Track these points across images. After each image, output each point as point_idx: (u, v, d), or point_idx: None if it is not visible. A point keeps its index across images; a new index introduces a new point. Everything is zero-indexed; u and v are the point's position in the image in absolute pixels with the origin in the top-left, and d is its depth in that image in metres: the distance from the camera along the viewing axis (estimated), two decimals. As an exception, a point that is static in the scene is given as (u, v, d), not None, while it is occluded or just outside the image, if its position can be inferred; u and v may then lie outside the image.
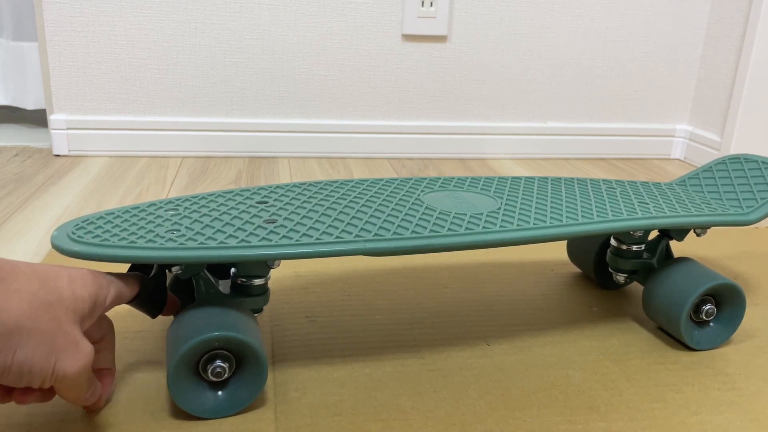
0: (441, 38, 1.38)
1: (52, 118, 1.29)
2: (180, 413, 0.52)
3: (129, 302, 0.53)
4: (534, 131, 1.47)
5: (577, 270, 0.84)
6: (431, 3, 1.34)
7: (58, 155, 1.30)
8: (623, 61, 1.47)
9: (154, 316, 0.56)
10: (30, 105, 1.50)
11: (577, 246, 0.82)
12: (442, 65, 1.40)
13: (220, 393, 0.52)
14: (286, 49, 1.34)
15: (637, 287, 0.80)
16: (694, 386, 0.60)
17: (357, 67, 1.37)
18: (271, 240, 0.53)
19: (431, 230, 0.57)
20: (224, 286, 0.58)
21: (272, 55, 1.34)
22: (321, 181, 0.69)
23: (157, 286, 0.55)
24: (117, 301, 0.50)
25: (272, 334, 0.66)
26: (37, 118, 1.58)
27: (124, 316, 0.67)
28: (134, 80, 1.31)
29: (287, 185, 0.67)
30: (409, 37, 1.37)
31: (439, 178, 0.72)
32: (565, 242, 0.85)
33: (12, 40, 1.46)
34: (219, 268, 0.60)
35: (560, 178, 0.76)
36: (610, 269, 0.74)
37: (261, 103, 1.36)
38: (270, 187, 0.66)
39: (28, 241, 0.87)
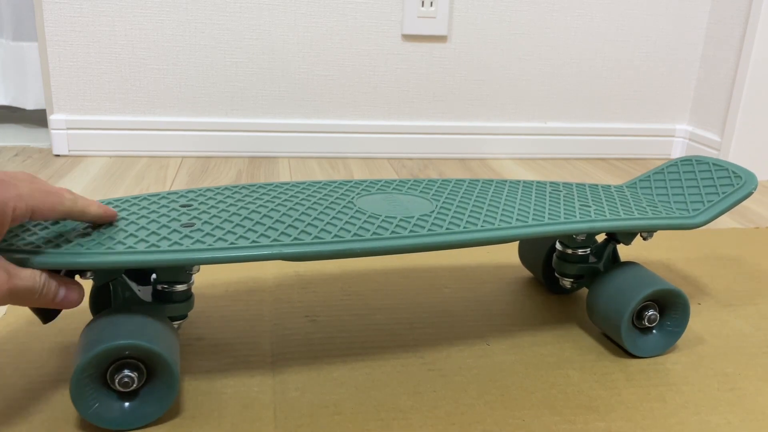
0: (441, 38, 1.38)
1: (52, 118, 1.29)
2: (180, 414, 0.52)
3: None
4: (534, 131, 1.47)
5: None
6: (431, 3, 1.34)
7: (58, 155, 1.31)
8: (623, 61, 1.47)
9: (45, 322, 0.54)
10: (30, 105, 1.50)
11: (527, 250, 0.80)
12: (442, 65, 1.40)
13: (127, 404, 0.50)
14: (286, 49, 1.34)
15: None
16: (694, 386, 0.60)
17: (357, 67, 1.37)
18: (182, 245, 0.51)
19: (355, 234, 0.55)
20: (145, 292, 0.56)
21: (272, 55, 1.34)
22: (253, 184, 0.67)
23: None
24: (26, 214, 0.47)
25: (272, 334, 0.66)
26: (37, 118, 1.58)
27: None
28: (134, 80, 1.31)
29: (218, 188, 0.65)
30: (409, 37, 1.37)
31: (380, 181, 0.71)
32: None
33: (12, 40, 1.46)
34: (140, 274, 0.57)
35: (505, 182, 0.74)
36: (556, 274, 0.73)
37: (261, 103, 1.36)
38: (200, 190, 0.64)
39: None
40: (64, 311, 0.61)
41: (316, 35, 1.34)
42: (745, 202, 1.18)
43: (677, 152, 1.54)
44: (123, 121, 1.32)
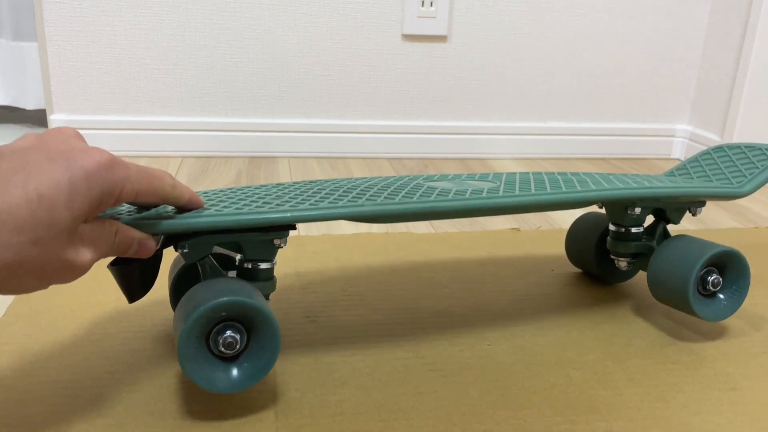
0: (441, 38, 1.39)
1: (52, 118, 1.30)
2: (180, 414, 0.52)
3: (116, 267, 0.52)
4: (534, 131, 1.47)
5: (578, 270, 0.84)
6: (431, 3, 1.34)
7: (58, 155, 1.31)
8: (623, 61, 1.47)
9: (130, 300, 0.54)
10: (30, 105, 1.51)
11: (576, 239, 0.82)
12: (442, 65, 1.41)
13: (233, 368, 0.51)
14: (286, 49, 1.34)
15: (636, 288, 0.80)
16: (695, 386, 0.60)
17: (357, 67, 1.38)
18: (282, 205, 0.53)
19: (436, 197, 0.57)
20: (231, 276, 0.58)
21: (272, 55, 1.34)
22: (322, 180, 0.69)
23: (148, 267, 0.54)
24: (131, 197, 0.45)
25: (272, 334, 0.66)
26: (37, 118, 1.59)
27: (125, 316, 0.67)
28: (134, 80, 1.31)
29: (286, 184, 0.67)
30: (409, 37, 1.37)
31: (436, 175, 0.73)
32: (564, 242, 0.85)
33: (12, 40, 1.47)
34: (225, 260, 0.59)
35: (554, 172, 0.77)
36: (611, 256, 0.75)
37: (261, 103, 1.36)
38: (269, 185, 0.66)
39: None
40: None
41: (316, 35, 1.34)
42: (745, 202, 1.18)
43: (677, 152, 1.54)
44: (123, 121, 1.32)
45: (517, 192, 0.61)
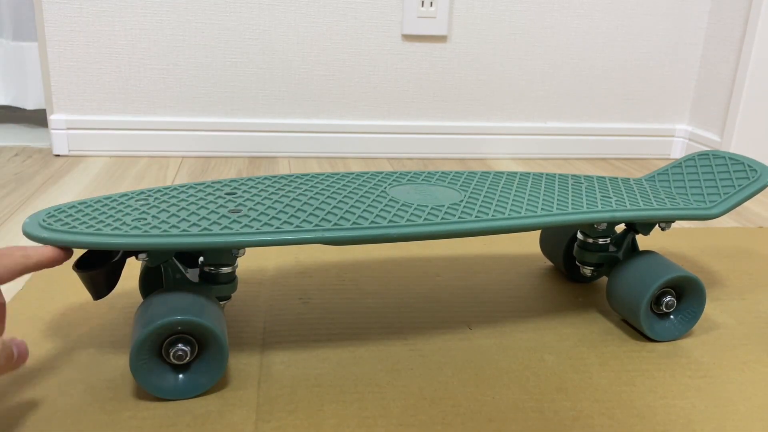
0: (441, 38, 1.42)
1: (52, 118, 1.33)
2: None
3: (83, 272, 0.57)
4: (534, 131, 1.50)
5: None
6: (431, 3, 1.38)
7: (58, 155, 1.35)
8: (623, 61, 1.50)
9: (96, 298, 0.60)
10: (30, 105, 1.53)
11: (548, 239, 0.86)
12: (442, 65, 1.44)
13: (181, 376, 0.56)
14: (286, 49, 1.37)
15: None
16: (666, 373, 0.64)
17: (357, 67, 1.41)
18: (232, 228, 0.56)
19: (390, 221, 0.60)
20: (193, 274, 0.62)
21: (272, 55, 1.37)
22: (291, 174, 0.73)
23: (113, 271, 0.59)
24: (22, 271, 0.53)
25: (266, 314, 0.72)
26: (37, 118, 1.62)
27: (130, 292, 0.73)
28: (134, 80, 1.34)
29: (258, 178, 0.71)
30: (409, 37, 1.41)
31: (409, 173, 0.76)
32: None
33: (12, 40, 1.50)
34: (188, 257, 0.64)
35: (528, 174, 0.80)
36: (577, 262, 0.78)
37: (261, 103, 1.40)
38: (241, 179, 0.70)
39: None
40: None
41: (316, 35, 1.38)
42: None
43: (677, 152, 1.57)
44: (123, 121, 1.35)
45: (474, 212, 0.64)
